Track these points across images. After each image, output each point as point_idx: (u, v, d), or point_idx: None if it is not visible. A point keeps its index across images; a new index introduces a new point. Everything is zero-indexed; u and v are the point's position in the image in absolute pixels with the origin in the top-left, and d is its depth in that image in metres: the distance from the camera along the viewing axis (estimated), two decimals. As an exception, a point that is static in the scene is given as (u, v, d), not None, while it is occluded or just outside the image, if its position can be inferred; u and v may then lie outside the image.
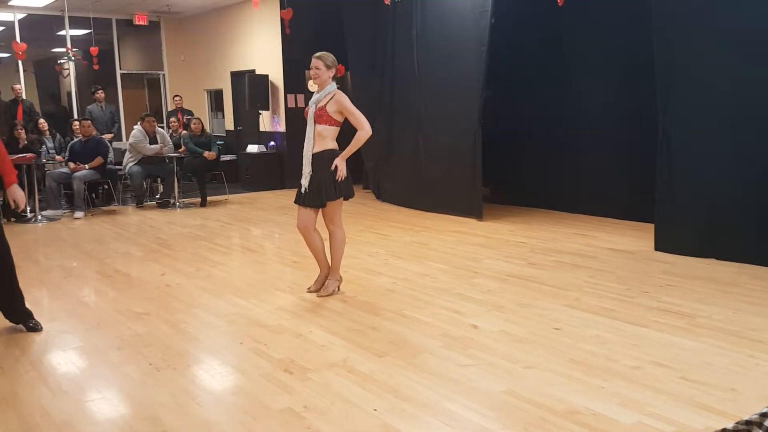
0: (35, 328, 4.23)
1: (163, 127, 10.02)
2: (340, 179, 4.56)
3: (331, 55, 4.63)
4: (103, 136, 10.25)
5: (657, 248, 5.96)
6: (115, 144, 10.45)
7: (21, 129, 8.91)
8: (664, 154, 5.85)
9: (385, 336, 3.96)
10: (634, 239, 6.48)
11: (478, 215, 7.72)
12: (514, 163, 8.57)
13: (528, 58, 8.16)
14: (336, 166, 4.53)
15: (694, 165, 5.69)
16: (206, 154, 9.42)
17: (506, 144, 8.51)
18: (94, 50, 11.69)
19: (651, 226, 6.19)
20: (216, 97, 13.30)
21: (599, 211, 7.70)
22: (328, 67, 4.57)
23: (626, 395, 3.07)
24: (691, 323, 4.05)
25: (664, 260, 5.66)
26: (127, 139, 9.97)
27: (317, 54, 4.61)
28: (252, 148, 11.43)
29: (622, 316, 4.21)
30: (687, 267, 5.41)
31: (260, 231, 7.76)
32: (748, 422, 2.21)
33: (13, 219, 8.38)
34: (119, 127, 11.96)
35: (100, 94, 10.95)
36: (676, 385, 3.18)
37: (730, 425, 2.26)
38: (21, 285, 5.34)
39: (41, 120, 9.99)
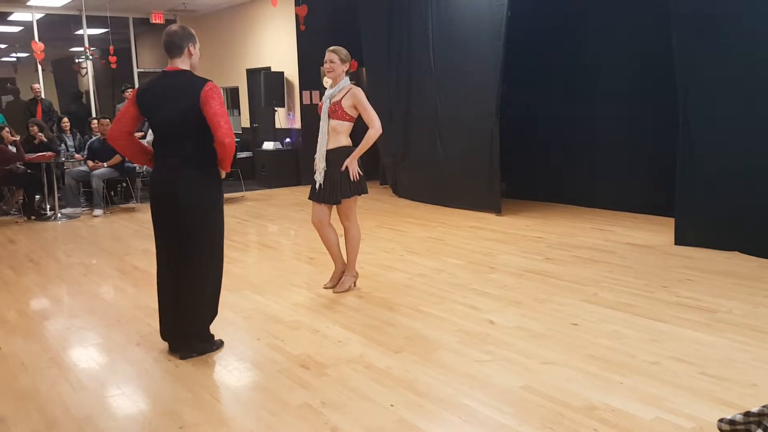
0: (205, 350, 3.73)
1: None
2: (353, 179, 4.56)
3: (345, 50, 4.62)
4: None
5: (677, 242, 5.90)
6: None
7: (33, 126, 9.01)
8: (685, 146, 5.77)
9: (402, 332, 3.95)
10: (652, 233, 6.41)
11: (497, 210, 7.69)
12: (531, 157, 8.52)
13: (545, 53, 8.10)
14: (347, 167, 4.54)
15: (716, 158, 5.61)
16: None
17: (523, 138, 8.45)
18: (111, 49, 11.78)
19: (670, 221, 6.13)
20: (232, 95, 13.35)
21: (617, 206, 7.63)
22: (343, 61, 4.57)
23: (645, 391, 3.04)
24: (711, 318, 4.01)
25: (683, 254, 5.60)
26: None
27: (332, 48, 4.61)
28: (268, 145, 11.47)
29: (641, 311, 4.17)
30: (707, 261, 5.35)
31: (276, 227, 7.79)
32: None
33: (33, 217, 8.49)
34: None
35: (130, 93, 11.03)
36: (695, 380, 3.14)
37: (755, 408, 2.24)
38: (43, 282, 5.43)
39: (65, 119, 10.10)
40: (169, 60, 3.62)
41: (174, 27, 3.67)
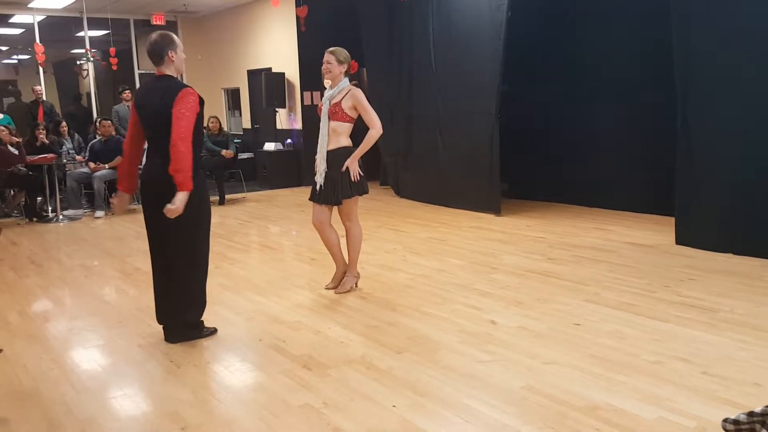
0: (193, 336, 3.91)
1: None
2: (354, 180, 4.56)
3: (345, 51, 4.62)
4: None
5: (678, 242, 5.89)
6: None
7: (42, 129, 9.02)
8: (684, 146, 5.77)
9: (404, 332, 3.95)
10: (654, 233, 6.40)
11: (496, 210, 7.68)
12: (531, 157, 8.51)
13: (545, 52, 8.10)
14: (348, 168, 4.54)
15: (715, 156, 5.60)
16: (224, 152, 9.48)
17: (524, 138, 8.45)
18: (112, 50, 11.79)
19: (671, 220, 6.12)
20: (233, 96, 13.36)
21: (618, 205, 7.62)
22: (340, 62, 4.57)
23: (647, 390, 3.04)
24: (713, 317, 4.00)
25: (685, 254, 5.59)
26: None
27: (330, 49, 4.61)
28: (269, 146, 11.48)
29: (643, 311, 4.17)
30: (708, 261, 5.35)
31: (278, 228, 7.80)
32: None
33: (35, 219, 8.50)
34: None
35: (127, 94, 11.02)
36: (697, 379, 3.14)
37: (758, 408, 2.23)
38: (45, 284, 5.44)
39: (63, 123, 10.09)
40: (155, 67, 3.78)
41: (154, 35, 3.79)
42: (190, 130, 3.58)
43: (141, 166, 3.99)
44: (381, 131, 4.57)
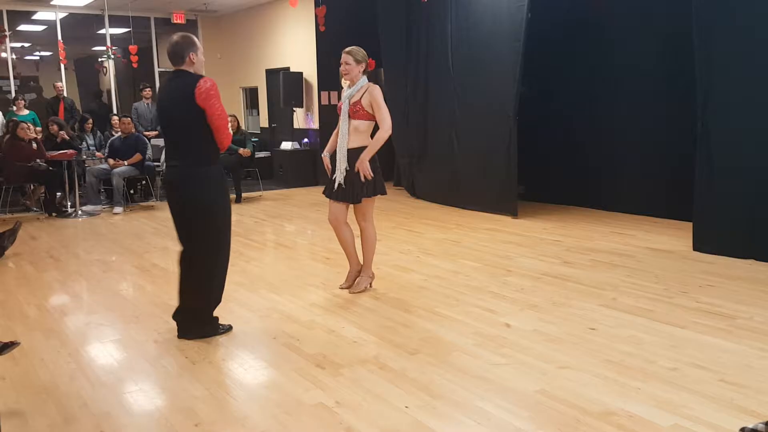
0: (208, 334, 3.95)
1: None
2: (363, 180, 4.55)
3: (362, 50, 4.62)
4: (148, 134, 10.44)
5: (695, 248, 5.82)
6: (155, 141, 10.62)
7: (53, 125, 9.13)
8: (704, 150, 5.70)
9: (417, 333, 3.95)
10: (673, 238, 6.34)
11: (513, 213, 7.64)
12: (549, 160, 8.46)
13: (564, 54, 8.05)
14: (359, 170, 4.53)
15: (734, 162, 5.53)
16: (241, 151, 9.52)
17: (542, 140, 8.40)
18: (133, 48, 11.89)
19: (690, 225, 6.05)
20: (251, 95, 13.43)
21: (637, 210, 7.55)
22: (358, 62, 4.57)
23: (663, 397, 3.01)
24: (732, 324, 3.95)
25: (703, 260, 5.53)
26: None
27: (347, 49, 4.61)
28: (286, 145, 11.52)
29: (660, 317, 4.12)
30: (727, 267, 5.28)
31: (293, 227, 7.82)
32: None
33: (54, 214, 8.59)
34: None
35: (148, 92, 11.11)
36: (714, 387, 3.10)
37: None
38: (63, 278, 5.50)
39: (89, 121, 10.22)
40: (174, 68, 3.84)
41: (175, 37, 3.85)
42: (225, 118, 3.72)
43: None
44: (390, 131, 4.55)
